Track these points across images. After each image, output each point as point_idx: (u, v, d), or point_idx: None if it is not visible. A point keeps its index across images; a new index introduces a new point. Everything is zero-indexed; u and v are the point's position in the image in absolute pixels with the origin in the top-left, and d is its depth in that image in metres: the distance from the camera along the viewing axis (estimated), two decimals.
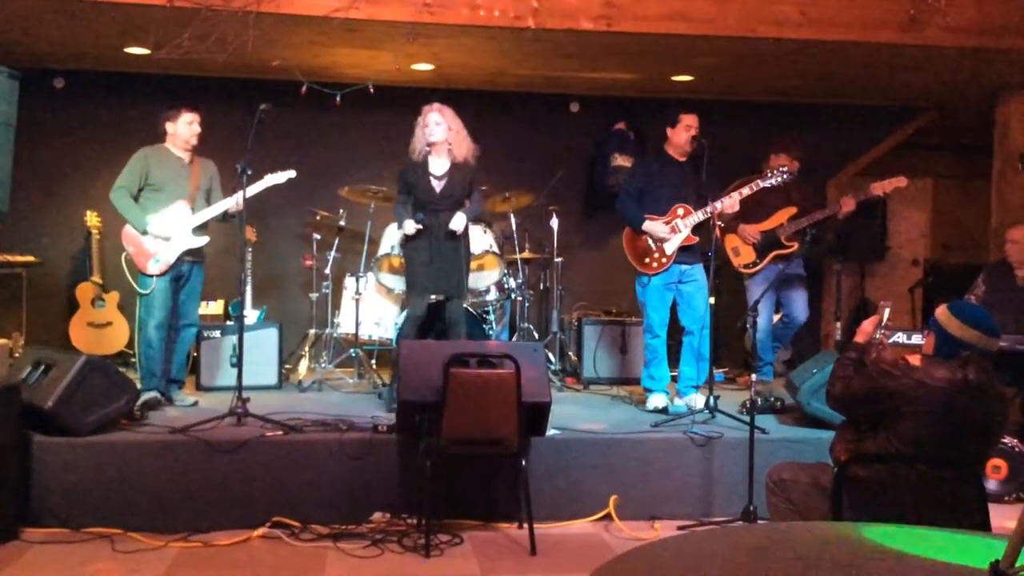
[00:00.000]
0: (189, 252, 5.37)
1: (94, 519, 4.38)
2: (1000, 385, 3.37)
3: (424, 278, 5.38)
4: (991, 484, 5.01)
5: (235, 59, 5.91)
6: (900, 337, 5.80)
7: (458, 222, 5.33)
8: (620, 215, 5.70)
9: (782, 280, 6.33)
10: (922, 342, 5.27)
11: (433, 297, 5.44)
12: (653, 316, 5.61)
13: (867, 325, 3.67)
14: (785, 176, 5.51)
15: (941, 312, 3.39)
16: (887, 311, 3.69)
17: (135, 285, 5.39)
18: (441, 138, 5.30)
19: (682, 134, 5.55)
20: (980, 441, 3.29)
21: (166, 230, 5.28)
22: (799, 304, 6.49)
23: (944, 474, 3.17)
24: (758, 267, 6.31)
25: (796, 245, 6.23)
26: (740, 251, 6.39)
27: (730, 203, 5.41)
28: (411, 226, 5.31)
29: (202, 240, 5.41)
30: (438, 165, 5.37)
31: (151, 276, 5.29)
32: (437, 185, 5.36)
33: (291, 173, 5.51)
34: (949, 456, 3.19)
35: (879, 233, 8.22)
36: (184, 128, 5.35)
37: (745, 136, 7.30)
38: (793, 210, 6.26)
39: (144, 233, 5.27)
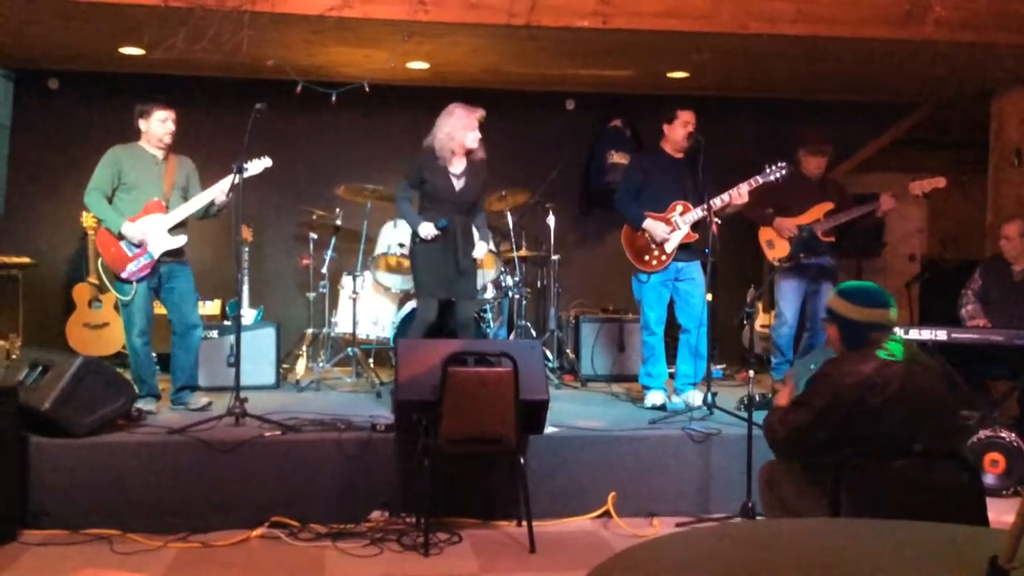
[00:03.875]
0: (168, 253, 5.20)
1: (92, 520, 4.37)
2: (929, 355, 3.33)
3: (438, 279, 5.32)
4: (989, 478, 5.02)
5: (230, 59, 5.89)
6: (897, 331, 5.78)
7: (480, 251, 5.44)
8: (619, 213, 5.69)
9: (812, 280, 6.14)
10: (918, 336, 5.30)
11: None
12: (650, 313, 5.61)
13: (783, 392, 3.59)
14: (783, 172, 5.48)
15: (835, 301, 3.33)
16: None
17: (114, 292, 5.23)
18: (477, 145, 5.33)
19: (679, 131, 5.54)
20: (940, 416, 3.22)
21: (141, 233, 5.12)
22: (815, 307, 6.23)
23: (941, 466, 3.16)
24: (792, 261, 6.12)
25: (833, 239, 6.10)
26: (775, 244, 6.24)
27: (726, 200, 5.39)
28: (430, 230, 5.24)
29: (180, 240, 5.22)
30: (456, 164, 5.36)
31: (130, 282, 5.14)
32: (457, 184, 5.35)
33: (267, 162, 5.31)
34: (924, 442, 3.12)
35: (876, 229, 8.22)
36: (158, 126, 5.19)
37: (740, 132, 7.31)
38: (830, 205, 6.08)
39: (120, 237, 5.11)
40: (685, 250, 5.55)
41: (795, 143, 6.39)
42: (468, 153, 5.36)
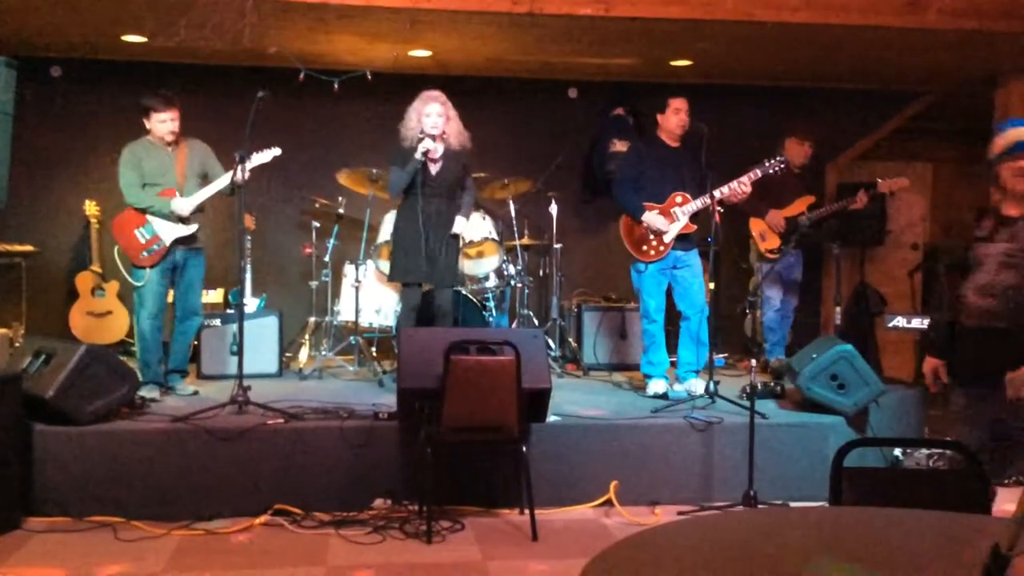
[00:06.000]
0: (181, 240, 5.34)
1: (96, 508, 4.40)
2: None
3: (416, 265, 5.38)
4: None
5: (232, 47, 5.89)
6: (900, 322, 5.80)
7: (459, 226, 5.47)
8: (618, 205, 5.69)
9: (787, 268, 6.54)
10: (921, 325, 5.33)
11: (423, 285, 5.45)
12: (649, 302, 5.61)
13: None
14: (782, 165, 5.51)
15: None
16: None
17: (129, 278, 5.36)
18: (439, 130, 5.30)
19: (672, 118, 5.54)
20: None
21: (189, 206, 5.28)
22: (792, 295, 6.73)
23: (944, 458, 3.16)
24: (784, 253, 6.39)
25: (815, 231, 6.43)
26: (766, 236, 6.44)
27: (729, 192, 5.41)
28: (421, 147, 5.22)
29: (191, 227, 5.34)
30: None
31: (144, 268, 5.28)
32: (432, 168, 5.37)
33: (276, 151, 5.39)
34: None
35: (879, 217, 8.23)
36: (159, 126, 5.31)
37: (744, 120, 7.28)
38: (812, 198, 6.41)
39: (176, 218, 5.27)
40: (683, 239, 5.56)
41: (782, 131, 6.53)
42: (442, 138, 5.36)
